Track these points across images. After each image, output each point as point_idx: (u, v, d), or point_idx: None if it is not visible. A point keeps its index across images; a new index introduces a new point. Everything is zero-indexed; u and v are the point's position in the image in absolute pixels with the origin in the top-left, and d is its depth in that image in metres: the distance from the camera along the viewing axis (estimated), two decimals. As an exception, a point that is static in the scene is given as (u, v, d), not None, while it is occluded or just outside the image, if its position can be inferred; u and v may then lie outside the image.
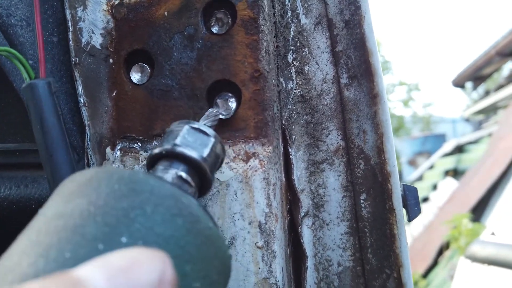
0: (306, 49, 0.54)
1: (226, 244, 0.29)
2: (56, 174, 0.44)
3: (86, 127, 0.49)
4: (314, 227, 0.54)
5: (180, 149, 0.33)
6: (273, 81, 0.50)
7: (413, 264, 5.13)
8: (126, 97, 0.49)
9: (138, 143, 0.49)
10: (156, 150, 0.34)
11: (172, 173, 0.32)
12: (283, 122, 0.53)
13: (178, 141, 0.34)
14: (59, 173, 0.44)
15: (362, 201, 0.52)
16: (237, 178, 0.47)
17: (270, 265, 0.46)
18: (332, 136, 0.53)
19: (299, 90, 0.54)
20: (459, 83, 8.36)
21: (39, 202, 0.50)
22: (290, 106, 0.54)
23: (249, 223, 0.46)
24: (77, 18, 0.49)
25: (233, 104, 0.48)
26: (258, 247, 0.46)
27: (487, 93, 8.12)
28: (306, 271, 0.52)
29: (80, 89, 0.49)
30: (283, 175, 0.52)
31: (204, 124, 0.38)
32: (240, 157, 0.47)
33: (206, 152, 0.34)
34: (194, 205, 0.27)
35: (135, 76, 0.50)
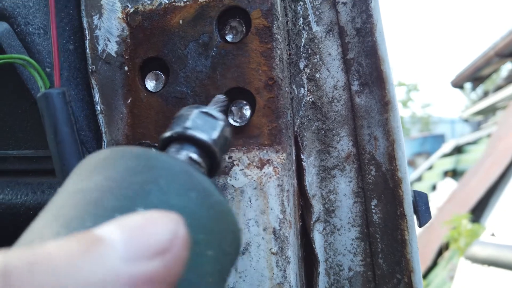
0: (318, 56, 0.55)
1: (236, 219, 0.31)
2: None
3: (103, 134, 0.49)
4: (325, 232, 0.55)
5: (191, 132, 0.34)
6: (287, 88, 0.50)
7: (412, 265, 5.14)
8: (141, 104, 0.50)
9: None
10: (167, 133, 0.34)
11: (183, 154, 0.33)
12: (295, 129, 0.53)
13: (188, 124, 0.34)
14: None
15: (373, 207, 0.53)
16: (252, 185, 0.47)
17: (285, 270, 0.47)
18: (343, 143, 0.54)
19: (310, 97, 0.55)
20: (458, 84, 8.39)
21: (56, 208, 0.51)
22: (302, 113, 0.55)
23: (264, 229, 0.47)
24: (94, 26, 0.49)
25: (247, 111, 0.48)
26: (272, 253, 0.47)
27: (486, 94, 8.14)
28: (318, 276, 0.53)
29: (96, 96, 0.49)
30: (296, 181, 0.52)
31: (214, 109, 0.39)
32: (254, 164, 0.48)
33: (215, 134, 0.35)
34: (206, 181, 0.28)
35: (150, 84, 0.50)
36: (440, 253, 4.74)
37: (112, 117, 0.50)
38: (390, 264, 0.52)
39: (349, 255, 0.54)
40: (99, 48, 0.50)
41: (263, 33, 0.48)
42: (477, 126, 8.48)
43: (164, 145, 0.35)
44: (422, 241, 5.61)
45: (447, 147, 7.80)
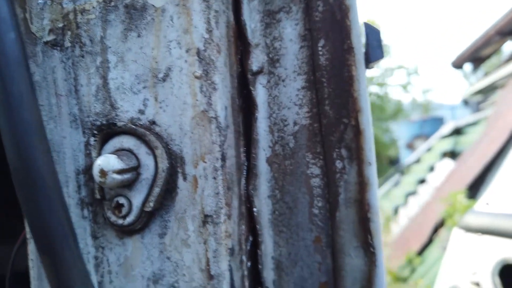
0: None
1: None
2: None
3: None
4: (269, 85, 0.49)
5: None
6: None
7: (409, 244, 5.11)
8: None
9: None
10: None
11: None
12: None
13: None
14: None
15: (320, 48, 0.47)
16: (174, 2, 0.41)
17: (210, 97, 0.41)
18: (289, -18, 0.48)
19: None
20: (458, 64, 8.28)
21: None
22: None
23: (187, 51, 0.41)
24: None
25: None
26: (196, 77, 0.41)
27: (486, 75, 8.04)
28: (256, 121, 0.47)
29: None
30: (233, 16, 0.46)
31: None
32: (178, -20, 0.42)
33: None
34: None
35: None
36: (436, 230, 4.71)
37: None
38: (336, 109, 0.46)
39: (294, 108, 0.48)
40: None
41: None
42: (477, 107, 8.39)
43: None
44: (418, 220, 5.57)
45: (446, 128, 7.72)
